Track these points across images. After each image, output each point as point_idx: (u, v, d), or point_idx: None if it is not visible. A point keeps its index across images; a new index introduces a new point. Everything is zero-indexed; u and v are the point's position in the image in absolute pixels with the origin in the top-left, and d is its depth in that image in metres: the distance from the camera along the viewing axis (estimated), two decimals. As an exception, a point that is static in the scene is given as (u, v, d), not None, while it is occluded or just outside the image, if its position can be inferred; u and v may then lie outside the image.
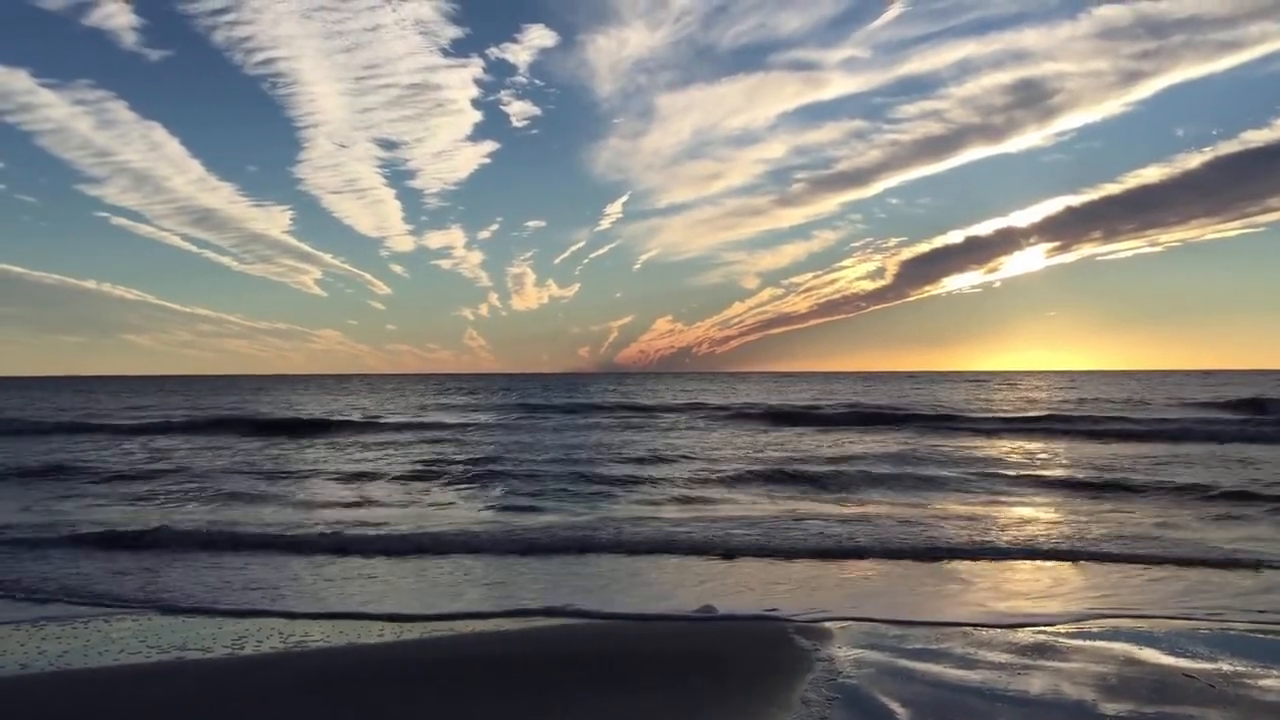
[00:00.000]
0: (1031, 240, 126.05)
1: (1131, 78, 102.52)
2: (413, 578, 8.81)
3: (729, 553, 9.69)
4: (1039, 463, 19.38)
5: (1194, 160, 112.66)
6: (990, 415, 33.99)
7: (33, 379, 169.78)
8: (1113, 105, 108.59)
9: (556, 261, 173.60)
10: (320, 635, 6.65)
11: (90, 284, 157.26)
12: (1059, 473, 17.13)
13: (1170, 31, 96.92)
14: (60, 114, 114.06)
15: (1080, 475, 16.50)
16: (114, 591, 8.10)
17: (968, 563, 9.26)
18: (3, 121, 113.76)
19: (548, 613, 7.30)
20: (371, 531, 11.16)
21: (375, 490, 15.76)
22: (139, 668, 5.88)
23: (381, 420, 34.07)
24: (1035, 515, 12.54)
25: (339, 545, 10.26)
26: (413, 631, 6.79)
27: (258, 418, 33.96)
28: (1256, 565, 8.84)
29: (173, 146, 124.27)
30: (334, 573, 8.99)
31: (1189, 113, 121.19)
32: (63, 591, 8.07)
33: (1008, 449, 22.54)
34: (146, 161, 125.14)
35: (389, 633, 6.75)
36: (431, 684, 5.44)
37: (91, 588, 8.22)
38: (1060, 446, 23.14)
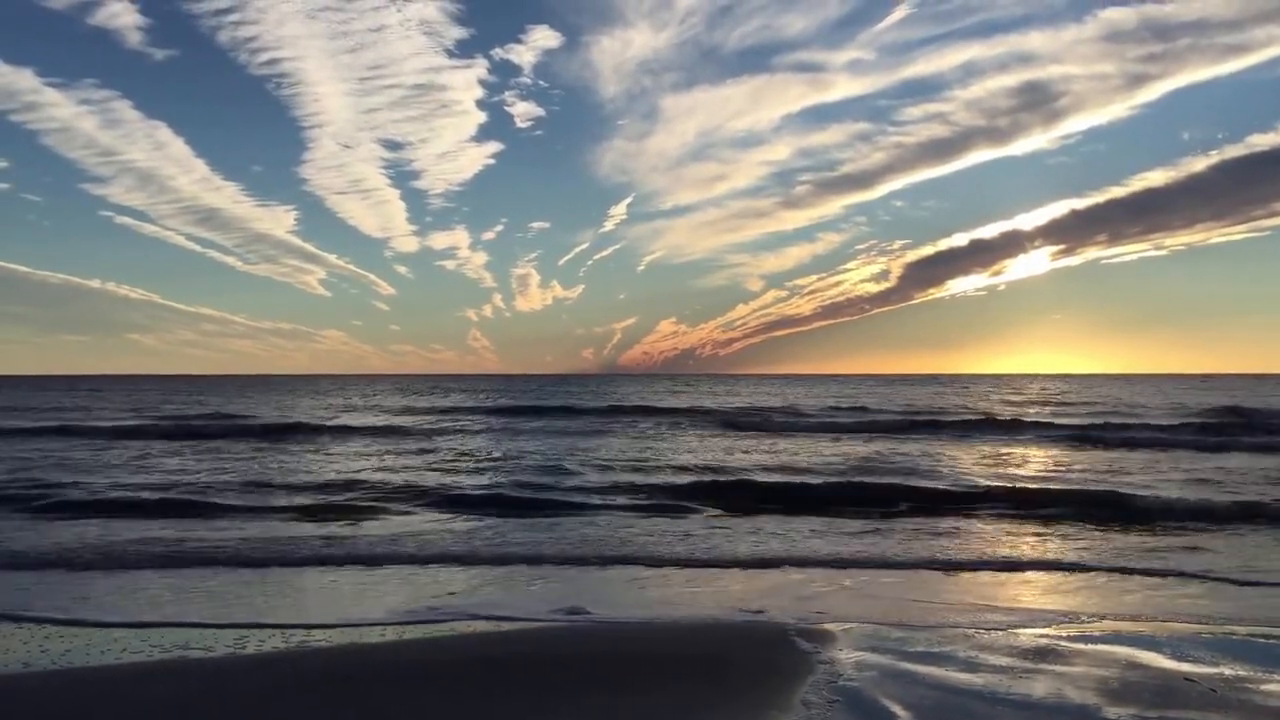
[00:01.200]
0: (1036, 243, 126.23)
1: (1137, 81, 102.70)
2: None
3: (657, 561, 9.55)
4: (1011, 469, 19.37)
5: (1199, 163, 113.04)
6: (962, 420, 32.97)
7: (37, 378, 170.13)
8: (1118, 108, 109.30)
9: (561, 263, 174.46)
10: (322, 636, 6.66)
11: (95, 283, 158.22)
12: (1030, 483, 16.88)
13: (1176, 35, 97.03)
14: (65, 113, 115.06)
15: (1050, 486, 16.39)
16: None
17: (960, 571, 9.26)
18: (8, 120, 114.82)
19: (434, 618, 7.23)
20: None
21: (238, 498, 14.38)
22: (141, 666, 5.88)
23: (326, 425, 31.45)
24: (1007, 525, 12.51)
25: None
26: (414, 632, 6.79)
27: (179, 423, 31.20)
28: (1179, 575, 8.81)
29: (177, 146, 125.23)
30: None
31: (1195, 116, 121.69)
32: None
33: (984, 454, 22.49)
34: (151, 161, 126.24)
35: (390, 633, 6.75)
36: (432, 684, 5.44)
37: None
38: (1031, 452, 23.01)
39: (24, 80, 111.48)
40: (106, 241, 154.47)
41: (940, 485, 15.74)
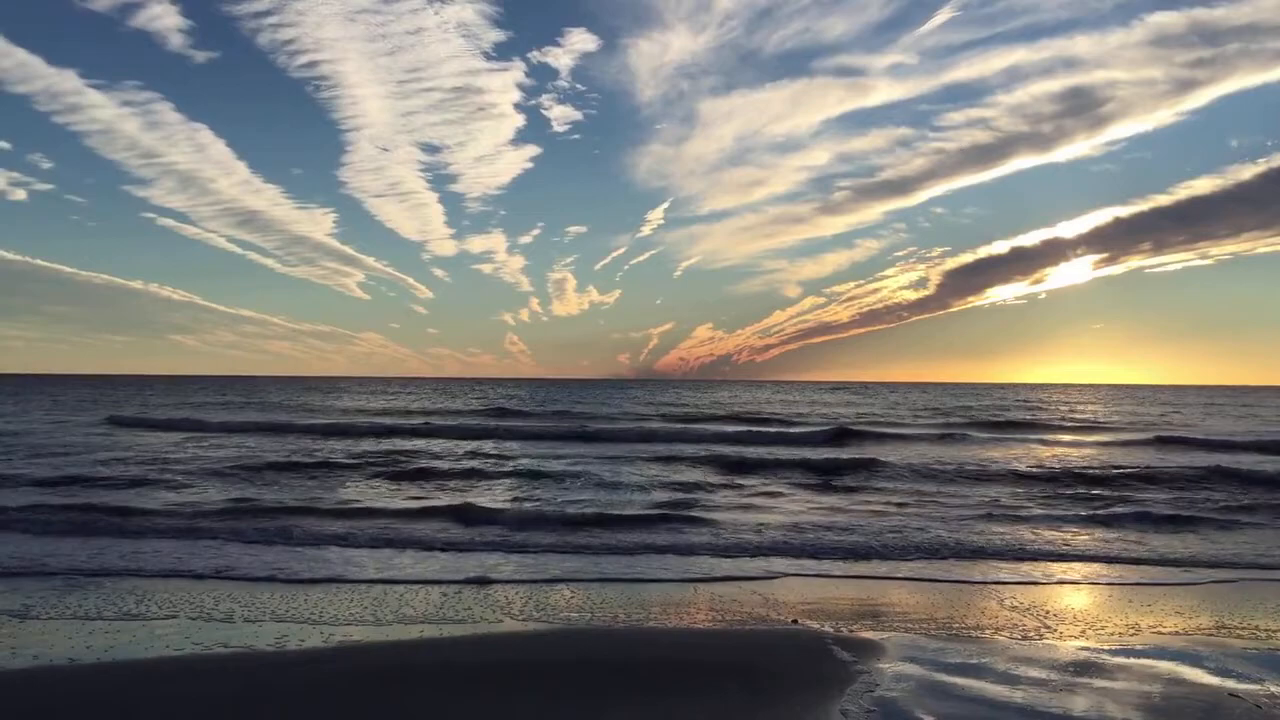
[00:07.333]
0: (1078, 251, 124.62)
1: (1185, 86, 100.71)
2: None
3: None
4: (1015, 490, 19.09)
5: (1247, 171, 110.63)
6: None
7: (81, 378, 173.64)
8: (1165, 114, 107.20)
9: (597, 267, 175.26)
10: (360, 636, 6.76)
11: (138, 284, 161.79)
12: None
13: (1226, 39, 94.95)
14: (108, 115, 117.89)
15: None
16: None
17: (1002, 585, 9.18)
18: (51, 122, 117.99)
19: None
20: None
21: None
22: (183, 661, 6.00)
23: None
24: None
25: None
26: (454, 631, 6.87)
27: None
28: None
29: (218, 148, 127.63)
30: None
31: (1244, 123, 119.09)
32: None
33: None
34: (193, 163, 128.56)
35: (429, 631, 6.83)
36: (475, 686, 5.50)
37: None
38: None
39: (67, 82, 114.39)
40: (149, 243, 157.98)
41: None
